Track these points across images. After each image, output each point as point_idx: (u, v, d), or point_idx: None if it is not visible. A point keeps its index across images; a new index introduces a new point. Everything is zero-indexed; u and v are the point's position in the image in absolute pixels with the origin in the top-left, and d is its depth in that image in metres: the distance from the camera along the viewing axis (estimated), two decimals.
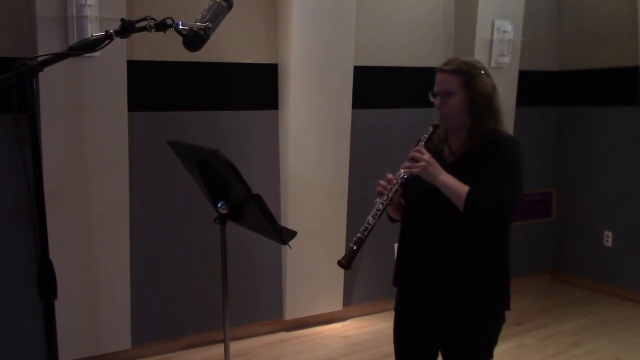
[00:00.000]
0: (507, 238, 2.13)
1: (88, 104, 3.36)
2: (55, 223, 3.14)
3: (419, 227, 2.14)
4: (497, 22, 4.64)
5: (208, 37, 1.88)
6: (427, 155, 2.01)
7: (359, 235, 2.04)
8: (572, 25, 5.27)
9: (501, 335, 2.18)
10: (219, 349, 3.75)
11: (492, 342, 2.16)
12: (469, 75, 2.05)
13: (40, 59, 1.62)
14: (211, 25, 1.87)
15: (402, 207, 2.20)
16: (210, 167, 2.38)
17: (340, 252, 4.27)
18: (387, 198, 2.06)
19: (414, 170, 2.01)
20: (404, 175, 2.05)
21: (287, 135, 4.04)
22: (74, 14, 3.17)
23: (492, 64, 4.67)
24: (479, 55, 4.62)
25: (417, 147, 2.07)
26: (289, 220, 4.04)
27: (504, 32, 4.67)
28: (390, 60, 4.50)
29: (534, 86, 5.16)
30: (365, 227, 2.04)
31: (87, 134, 3.39)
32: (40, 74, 1.58)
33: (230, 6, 1.94)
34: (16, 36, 3.29)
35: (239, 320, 4.00)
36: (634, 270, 4.88)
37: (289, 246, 2.49)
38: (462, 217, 1.99)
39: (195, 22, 1.86)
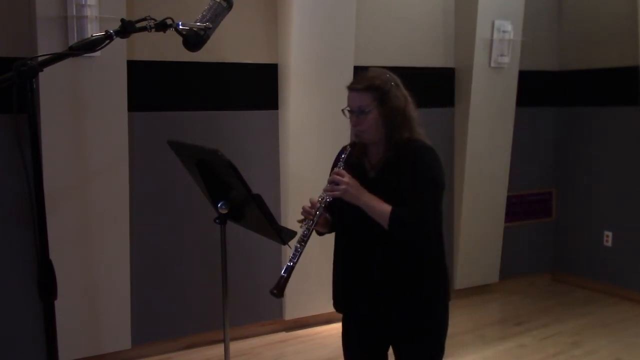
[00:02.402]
0: (439, 238, 2.15)
1: (88, 104, 3.36)
2: (55, 223, 3.14)
3: (352, 243, 2.17)
4: (497, 22, 4.64)
5: (208, 37, 1.88)
6: (347, 177, 2.04)
7: (288, 263, 2.08)
8: (572, 25, 5.27)
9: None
10: (219, 349, 3.75)
11: (442, 337, 2.20)
12: (382, 91, 2.05)
13: (40, 59, 1.62)
14: (211, 25, 1.88)
15: (330, 222, 2.23)
16: (210, 167, 2.38)
17: None
18: (312, 223, 2.09)
19: (336, 193, 2.04)
20: (326, 198, 2.08)
21: (287, 135, 4.04)
22: (74, 14, 3.17)
23: (492, 64, 4.67)
24: (479, 55, 4.62)
25: (337, 170, 2.10)
26: (289, 220, 4.04)
27: (504, 32, 4.67)
28: (390, 60, 4.49)
29: (534, 86, 5.16)
30: (294, 254, 2.08)
31: (87, 134, 3.39)
32: (40, 74, 1.58)
33: (230, 6, 1.95)
34: (16, 36, 3.29)
35: (239, 320, 4.00)
36: (634, 270, 4.88)
37: (289, 246, 2.48)
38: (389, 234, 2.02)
39: (195, 22, 1.87)
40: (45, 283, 1.59)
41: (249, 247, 3.98)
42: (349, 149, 2.16)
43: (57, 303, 1.63)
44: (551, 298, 5.07)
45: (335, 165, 2.19)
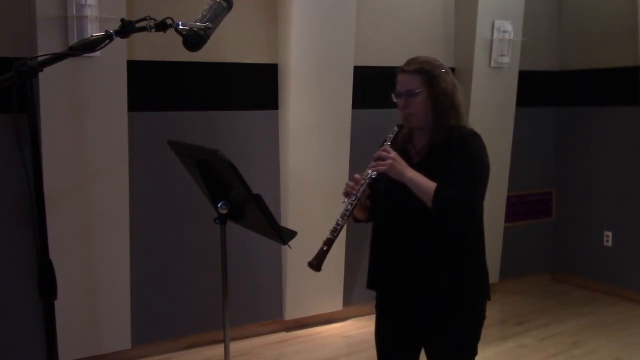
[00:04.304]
0: (479, 230, 2.14)
1: (88, 104, 3.36)
2: (55, 223, 3.14)
3: (390, 227, 2.16)
4: (497, 22, 4.64)
5: (208, 37, 1.88)
6: (393, 153, 2.04)
7: (328, 236, 2.07)
8: (572, 25, 5.27)
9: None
10: (219, 349, 3.75)
11: (475, 337, 2.17)
12: (431, 75, 2.08)
13: (40, 59, 1.62)
14: (211, 25, 1.88)
15: (369, 208, 2.22)
16: (210, 167, 2.38)
17: (341, 252, 4.29)
18: (355, 198, 2.08)
19: (381, 168, 2.03)
20: (371, 174, 2.07)
21: (287, 135, 4.04)
22: (74, 14, 3.17)
23: (492, 64, 4.67)
24: (479, 55, 4.62)
25: (384, 147, 2.09)
26: (289, 220, 4.04)
27: (504, 32, 4.67)
28: (391, 60, 4.49)
29: (534, 86, 5.16)
30: (335, 227, 2.07)
31: (87, 134, 3.39)
32: (40, 74, 1.58)
33: (230, 6, 1.94)
34: (16, 36, 3.29)
35: (239, 320, 4.00)
36: (634, 270, 4.88)
37: (289, 246, 2.49)
38: (432, 214, 2.00)
39: (195, 22, 1.87)
40: (45, 283, 1.59)
41: (249, 247, 3.98)
42: (396, 128, 2.15)
43: (57, 303, 1.62)
44: (551, 298, 5.07)
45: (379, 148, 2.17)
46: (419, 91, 2.06)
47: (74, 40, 3.15)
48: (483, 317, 2.17)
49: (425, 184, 1.99)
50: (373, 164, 2.06)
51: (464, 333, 2.15)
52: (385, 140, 2.14)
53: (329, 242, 2.06)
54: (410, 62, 2.12)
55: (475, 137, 2.09)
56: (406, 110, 2.09)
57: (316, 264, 2.06)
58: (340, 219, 2.08)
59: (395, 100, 2.14)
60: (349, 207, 2.08)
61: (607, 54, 4.96)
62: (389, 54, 4.50)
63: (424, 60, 2.12)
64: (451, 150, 2.04)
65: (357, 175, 2.11)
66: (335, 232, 2.07)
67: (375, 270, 2.23)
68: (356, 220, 2.28)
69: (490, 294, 2.17)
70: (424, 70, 2.08)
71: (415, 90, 2.07)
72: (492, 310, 2.22)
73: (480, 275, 2.14)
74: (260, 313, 4.22)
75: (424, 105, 2.07)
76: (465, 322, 2.14)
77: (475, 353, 2.18)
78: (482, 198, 2.05)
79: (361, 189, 2.07)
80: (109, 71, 3.37)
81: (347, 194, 2.10)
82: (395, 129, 2.15)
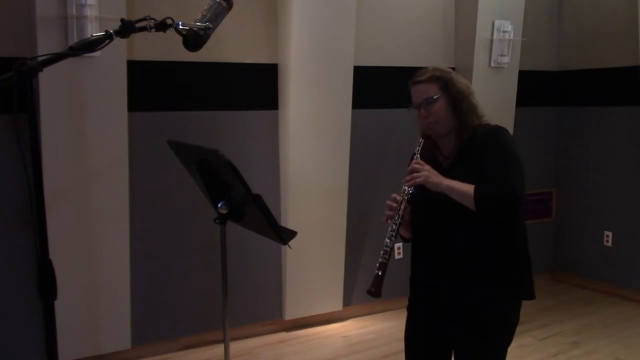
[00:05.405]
0: (522, 231, 2.14)
1: (88, 104, 3.36)
2: (55, 223, 3.14)
3: (431, 237, 2.15)
4: (497, 22, 4.64)
5: (208, 37, 1.88)
6: (427, 166, 2.05)
7: (380, 260, 2.06)
8: (572, 25, 5.27)
9: None
10: (219, 349, 3.75)
11: (508, 340, 2.18)
12: (444, 79, 2.09)
13: (40, 59, 1.61)
14: (211, 25, 1.87)
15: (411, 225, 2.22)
16: (210, 167, 2.38)
17: (341, 252, 4.29)
18: (398, 217, 2.08)
19: (417, 180, 2.02)
20: (409, 190, 2.08)
21: (287, 135, 4.04)
22: (74, 14, 3.17)
23: (492, 64, 4.67)
24: (479, 55, 4.62)
25: (415, 160, 2.10)
26: (289, 220, 4.04)
27: (504, 32, 4.67)
28: (390, 60, 4.50)
29: (534, 86, 5.16)
30: (385, 250, 2.07)
31: (87, 134, 3.39)
32: (40, 74, 1.58)
33: (230, 6, 1.94)
34: (16, 36, 3.29)
35: (239, 320, 4.00)
36: (634, 270, 4.88)
37: (289, 246, 2.49)
38: (472, 219, 2.00)
39: (195, 22, 1.86)
40: (45, 283, 1.59)
41: (249, 247, 3.98)
42: (422, 141, 2.15)
43: (57, 303, 1.62)
44: (551, 298, 5.07)
45: (409, 164, 2.17)
46: (437, 97, 2.07)
47: (74, 40, 3.16)
48: (517, 322, 2.19)
49: (463, 189, 1.98)
50: (407, 177, 2.06)
51: (499, 337, 2.15)
52: (414, 154, 2.15)
53: (382, 267, 2.06)
54: (421, 72, 2.13)
55: (500, 129, 2.10)
56: (428, 119, 2.09)
57: (375, 291, 2.06)
58: (388, 240, 2.08)
59: (411, 115, 2.13)
60: (394, 226, 2.08)
61: (607, 54, 4.96)
62: (389, 54, 4.50)
63: (434, 68, 2.14)
64: (480, 147, 2.04)
65: (394, 195, 2.12)
66: (386, 254, 2.06)
67: (416, 280, 2.23)
68: (405, 240, 2.27)
69: (531, 292, 2.19)
70: (437, 77, 2.09)
71: (433, 96, 2.07)
72: None
73: (525, 275, 2.14)
74: (260, 313, 4.22)
75: (445, 109, 2.08)
76: (502, 326, 2.15)
77: (505, 355, 2.19)
78: (523, 185, 2.04)
79: (402, 206, 2.08)
80: (109, 71, 3.37)
81: (389, 217, 2.10)
82: (421, 140, 2.15)
